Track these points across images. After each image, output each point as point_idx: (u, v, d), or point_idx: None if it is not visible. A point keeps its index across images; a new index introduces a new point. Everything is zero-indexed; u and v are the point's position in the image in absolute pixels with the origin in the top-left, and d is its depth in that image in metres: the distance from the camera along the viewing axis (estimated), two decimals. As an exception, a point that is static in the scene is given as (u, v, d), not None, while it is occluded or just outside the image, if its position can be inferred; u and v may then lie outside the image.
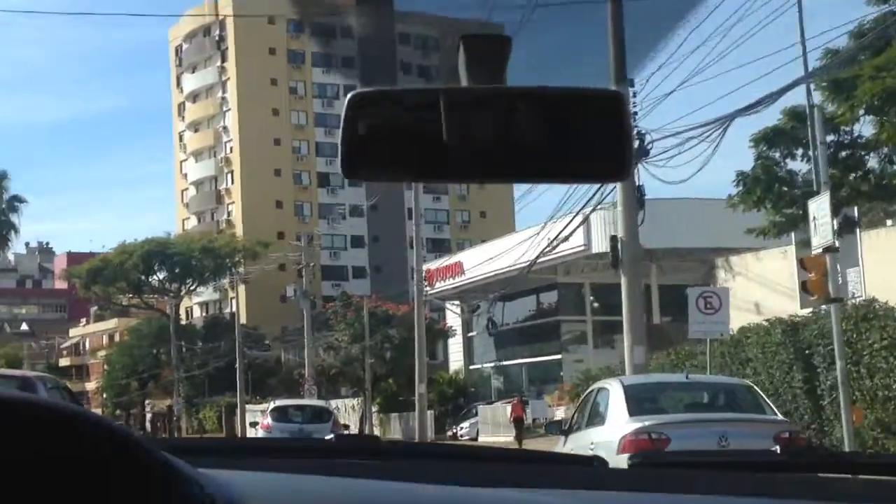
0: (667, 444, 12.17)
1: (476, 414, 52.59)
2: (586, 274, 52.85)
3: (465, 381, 60.29)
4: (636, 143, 18.21)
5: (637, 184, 21.22)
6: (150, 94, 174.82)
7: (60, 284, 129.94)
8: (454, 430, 53.07)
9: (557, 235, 30.81)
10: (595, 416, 14.17)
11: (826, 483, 2.04)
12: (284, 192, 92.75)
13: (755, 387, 15.56)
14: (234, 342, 71.61)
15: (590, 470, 2.20)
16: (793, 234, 26.97)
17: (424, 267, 59.62)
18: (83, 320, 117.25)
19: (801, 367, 22.89)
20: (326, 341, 61.06)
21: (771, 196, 33.20)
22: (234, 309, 77.47)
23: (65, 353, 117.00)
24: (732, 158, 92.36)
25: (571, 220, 29.60)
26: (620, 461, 8.67)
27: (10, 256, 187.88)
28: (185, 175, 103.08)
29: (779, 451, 3.11)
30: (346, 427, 37.36)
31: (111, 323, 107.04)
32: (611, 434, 13.04)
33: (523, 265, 37.47)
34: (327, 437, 2.96)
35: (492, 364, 59.99)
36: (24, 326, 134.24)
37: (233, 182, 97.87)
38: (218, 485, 1.31)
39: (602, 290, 53.12)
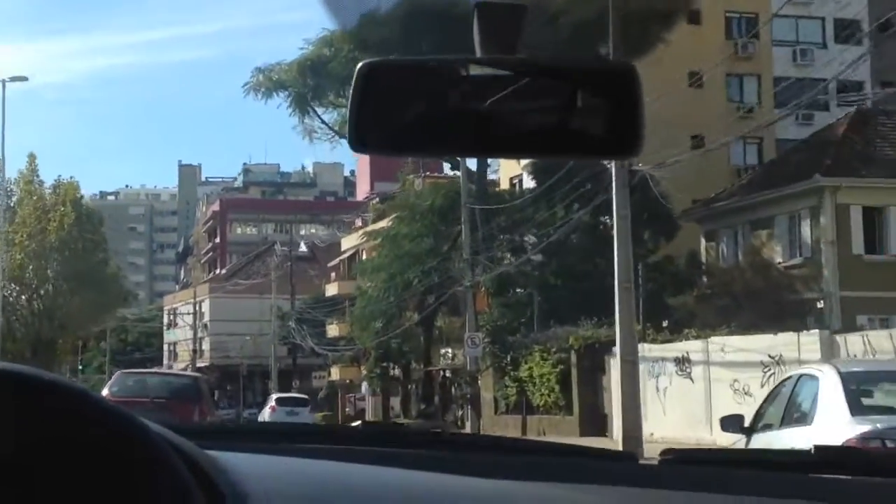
0: None
1: None
2: None
3: None
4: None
5: None
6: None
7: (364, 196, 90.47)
8: None
9: None
10: (795, 413, 11.00)
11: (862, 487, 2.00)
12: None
13: None
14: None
15: (619, 465, 2.14)
16: None
17: None
18: (358, 221, 73.88)
19: None
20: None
21: None
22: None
23: (333, 276, 74.07)
24: None
25: None
26: None
27: (309, 166, 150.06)
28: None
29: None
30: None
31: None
32: (824, 438, 9.36)
33: None
34: (354, 425, 2.90)
35: None
36: (303, 248, 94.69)
37: None
38: (222, 467, 1.34)
39: None
